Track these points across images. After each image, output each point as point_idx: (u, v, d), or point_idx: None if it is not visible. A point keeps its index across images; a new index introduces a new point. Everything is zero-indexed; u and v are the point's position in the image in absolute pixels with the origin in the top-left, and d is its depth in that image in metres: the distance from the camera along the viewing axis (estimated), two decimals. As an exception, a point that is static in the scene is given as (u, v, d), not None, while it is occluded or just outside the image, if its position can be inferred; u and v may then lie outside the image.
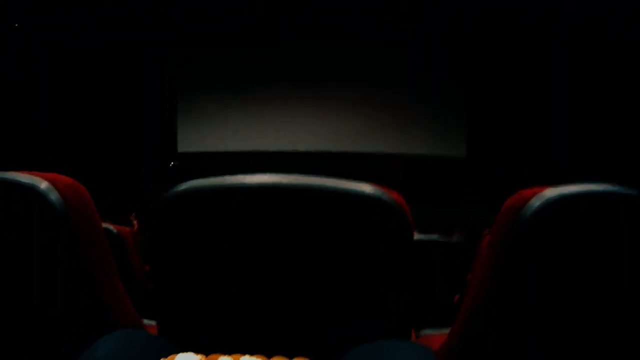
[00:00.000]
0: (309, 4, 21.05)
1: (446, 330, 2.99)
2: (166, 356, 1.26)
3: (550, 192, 1.59)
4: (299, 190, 1.43)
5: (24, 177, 1.76)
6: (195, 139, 22.87)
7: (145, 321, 2.40)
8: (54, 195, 1.70)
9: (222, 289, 1.57)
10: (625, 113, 16.75)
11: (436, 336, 2.95)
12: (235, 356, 1.26)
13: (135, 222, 8.28)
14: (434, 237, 4.89)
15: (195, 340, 1.62)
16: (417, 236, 5.11)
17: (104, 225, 4.34)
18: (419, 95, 21.08)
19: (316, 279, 1.52)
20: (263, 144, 22.14)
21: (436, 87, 21.01)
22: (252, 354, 1.38)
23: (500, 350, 1.83)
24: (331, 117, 21.89)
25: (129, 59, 22.24)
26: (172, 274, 1.62)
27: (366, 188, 1.44)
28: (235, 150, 22.30)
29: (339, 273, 1.50)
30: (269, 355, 1.29)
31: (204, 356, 1.25)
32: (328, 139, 21.83)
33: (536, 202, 1.58)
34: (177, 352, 1.45)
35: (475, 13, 19.76)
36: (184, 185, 1.50)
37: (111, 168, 22.26)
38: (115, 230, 4.23)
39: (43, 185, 1.72)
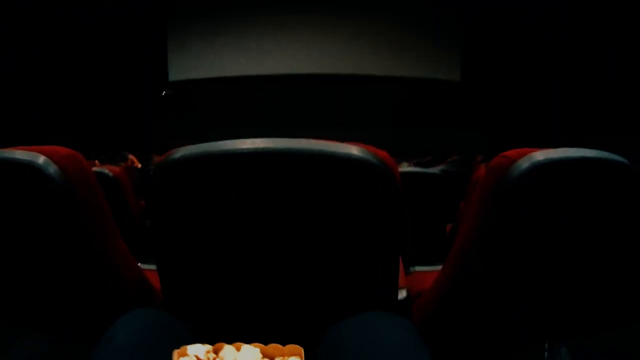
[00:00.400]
0: None
1: (435, 267, 3.03)
2: (179, 341, 1.31)
3: (539, 155, 1.62)
4: (288, 155, 1.46)
5: (21, 154, 1.77)
6: (186, 66, 22.76)
7: (144, 266, 2.44)
8: (52, 169, 1.72)
9: (218, 258, 1.62)
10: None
11: (426, 274, 2.97)
12: (237, 345, 1.32)
13: (131, 157, 8.33)
14: (429, 170, 4.77)
15: (198, 315, 1.69)
16: (410, 168, 5.17)
17: (99, 169, 4.40)
18: (416, 18, 21.10)
19: (307, 242, 1.56)
20: (258, 67, 21.94)
21: (433, 12, 21.03)
22: (250, 323, 1.44)
23: (486, 298, 1.89)
24: (327, 40, 21.73)
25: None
26: (171, 244, 1.66)
27: (354, 151, 1.45)
28: (226, 75, 22.23)
29: (329, 235, 1.55)
30: (265, 342, 1.34)
31: (211, 346, 1.30)
32: (324, 62, 21.76)
33: (524, 163, 1.61)
34: (188, 330, 1.55)
35: None
36: (179, 153, 1.50)
37: (106, 101, 22.35)
38: (110, 174, 4.26)
39: (41, 160, 1.73)
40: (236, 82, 22.01)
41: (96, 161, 9.42)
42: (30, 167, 1.74)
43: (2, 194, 1.91)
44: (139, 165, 8.11)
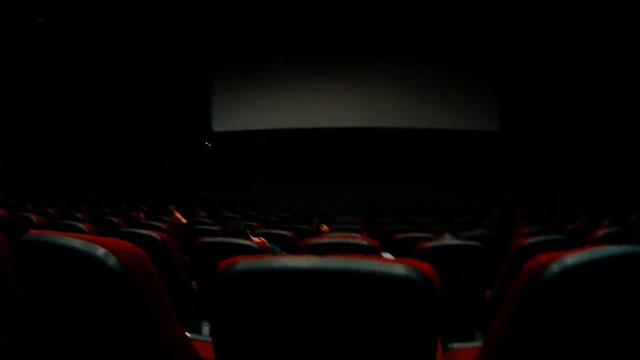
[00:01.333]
0: None
1: (472, 344, 3.06)
2: None
3: (569, 260, 1.66)
4: (341, 274, 1.58)
5: (80, 244, 1.84)
6: (229, 118, 23.15)
7: (192, 335, 2.50)
8: (112, 260, 1.78)
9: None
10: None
11: (464, 350, 2.99)
12: None
13: (176, 213, 8.44)
14: (470, 243, 4.84)
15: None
16: (453, 241, 5.20)
17: (148, 232, 4.48)
18: (454, 71, 21.26)
19: (354, 348, 1.68)
20: (300, 120, 22.34)
21: (470, 63, 21.17)
22: None
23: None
24: (366, 93, 21.96)
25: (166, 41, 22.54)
26: (230, 344, 1.78)
27: (400, 270, 1.56)
28: (266, 128, 22.45)
29: (374, 342, 1.66)
30: None
31: None
32: (363, 115, 22.00)
33: (554, 268, 1.66)
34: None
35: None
36: (241, 265, 1.63)
37: (147, 151, 22.62)
38: (159, 238, 4.33)
39: (100, 251, 1.80)
40: (278, 135, 22.21)
41: (141, 214, 9.56)
42: (89, 258, 1.80)
43: (59, 279, 1.99)
44: (184, 221, 8.21)
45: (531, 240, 4.55)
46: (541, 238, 4.83)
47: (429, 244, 4.68)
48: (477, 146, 20.84)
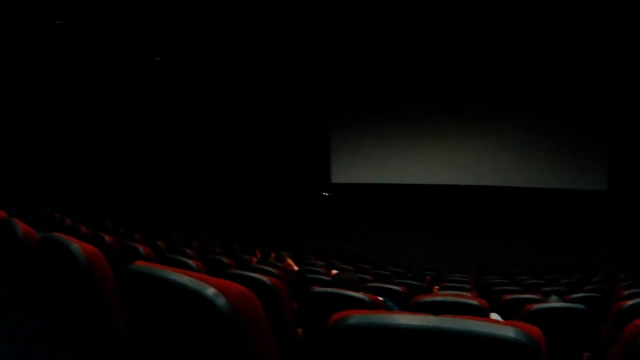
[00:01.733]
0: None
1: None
2: None
3: None
4: (453, 334, 1.55)
5: (189, 281, 1.75)
6: (347, 170, 23.72)
7: None
8: (221, 301, 1.68)
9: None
10: None
11: None
12: None
13: (289, 260, 8.38)
14: (575, 305, 5.02)
15: None
16: (559, 304, 5.18)
17: (259, 275, 4.36)
18: (561, 130, 21.28)
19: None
20: (410, 177, 22.91)
21: (579, 122, 21.11)
22: None
23: None
24: (476, 152, 22.20)
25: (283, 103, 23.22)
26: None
27: (510, 332, 1.52)
28: (382, 182, 22.97)
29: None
30: None
31: None
32: (472, 173, 22.28)
33: None
34: None
35: (615, 56, 19.36)
36: (354, 319, 1.59)
37: (266, 198, 23.12)
38: (269, 282, 4.21)
39: (209, 291, 1.70)
40: (395, 189, 22.76)
41: (253, 258, 9.51)
42: (198, 296, 1.70)
43: (162, 313, 1.91)
44: (296, 268, 8.16)
45: (631, 302, 4.53)
46: (640, 300, 4.98)
47: (536, 306, 4.89)
48: (584, 205, 20.54)
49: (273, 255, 9.23)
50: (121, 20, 18.75)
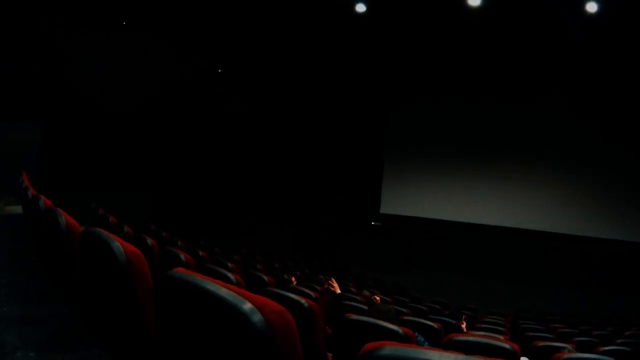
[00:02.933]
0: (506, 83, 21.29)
1: None
2: None
3: None
4: None
5: (227, 294, 1.74)
6: (396, 202, 23.87)
7: None
8: (257, 318, 1.66)
9: None
10: None
11: None
12: None
13: (332, 282, 8.35)
14: (602, 357, 5.13)
15: None
16: (590, 355, 5.22)
17: (296, 297, 4.33)
18: (608, 179, 21.05)
19: None
20: (457, 214, 22.98)
21: (625, 173, 20.79)
22: None
23: None
24: (526, 196, 22.19)
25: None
26: None
27: None
28: (430, 217, 23.05)
29: None
30: None
31: None
32: (520, 216, 22.15)
33: None
34: None
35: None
36: (386, 351, 1.56)
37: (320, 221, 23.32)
38: (306, 305, 4.19)
39: (246, 306, 1.68)
40: (441, 225, 22.89)
41: (292, 278, 9.47)
42: (234, 310, 1.69)
43: (196, 323, 1.90)
44: (338, 291, 8.11)
45: None
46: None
47: (565, 356, 5.02)
48: (629, 257, 20.05)
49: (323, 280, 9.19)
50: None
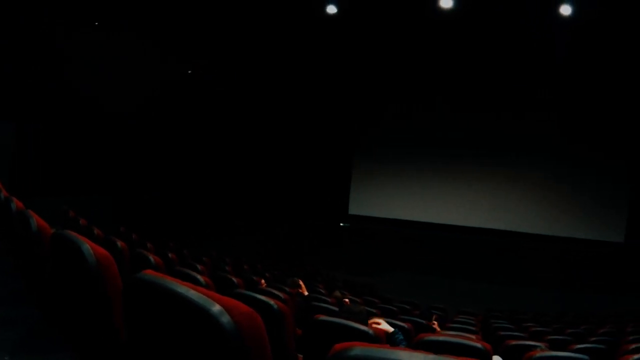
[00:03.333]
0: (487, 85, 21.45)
1: None
2: None
3: None
4: None
5: (195, 295, 1.74)
6: (365, 203, 23.96)
7: None
8: (225, 320, 1.67)
9: None
10: None
11: None
12: None
13: (301, 283, 8.39)
14: (576, 356, 5.34)
15: None
16: (561, 353, 5.25)
17: (265, 298, 4.36)
18: (581, 179, 21.61)
19: None
20: (428, 215, 23.40)
21: (600, 172, 21.36)
22: None
23: None
24: (495, 196, 22.70)
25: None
26: None
27: None
28: (400, 218, 23.17)
29: None
30: None
31: None
32: (489, 216, 22.69)
33: None
34: None
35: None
36: (354, 351, 1.55)
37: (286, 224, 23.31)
38: (275, 306, 4.21)
39: (215, 308, 1.69)
40: (410, 226, 23.17)
41: (262, 280, 9.48)
42: (203, 312, 1.69)
43: (165, 325, 1.91)
44: (306, 293, 8.16)
45: (636, 357, 4.71)
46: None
47: (538, 354, 5.11)
48: (599, 256, 20.54)
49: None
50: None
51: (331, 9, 17.57)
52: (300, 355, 4.79)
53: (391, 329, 5.11)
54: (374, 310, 8.87)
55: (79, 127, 18.31)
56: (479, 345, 4.49)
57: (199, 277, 5.44)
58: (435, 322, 9.24)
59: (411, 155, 23.39)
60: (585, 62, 18.76)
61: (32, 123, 16.99)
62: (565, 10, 15.90)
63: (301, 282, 8.54)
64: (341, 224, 23.76)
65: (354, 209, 24.27)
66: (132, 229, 13.45)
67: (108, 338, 2.51)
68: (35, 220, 3.57)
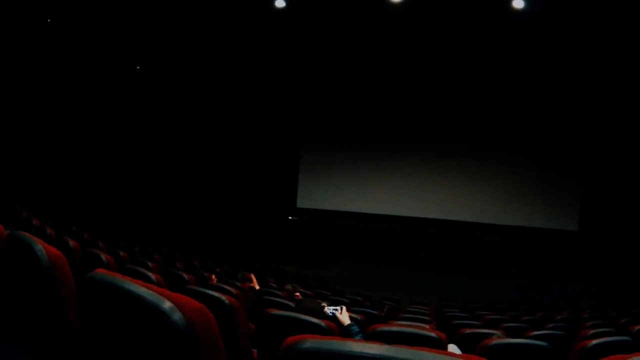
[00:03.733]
0: (433, 77, 21.54)
1: None
2: None
3: None
4: None
5: (147, 294, 1.76)
6: (313, 196, 23.88)
7: None
8: (177, 316, 1.69)
9: None
10: None
11: None
12: None
13: (253, 277, 8.40)
14: (536, 342, 5.17)
15: None
16: (518, 340, 5.26)
17: (217, 294, 4.37)
18: (534, 167, 21.70)
19: None
20: (379, 207, 23.29)
21: (553, 161, 21.47)
22: None
23: None
24: (448, 187, 22.69)
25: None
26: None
27: None
28: (349, 210, 23.11)
29: None
30: None
31: None
32: (443, 207, 22.68)
33: None
34: None
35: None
36: (308, 344, 1.56)
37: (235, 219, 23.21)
38: (227, 302, 4.22)
39: (166, 304, 1.71)
40: (360, 218, 23.02)
41: (212, 275, 9.47)
42: (154, 309, 1.72)
43: (118, 323, 1.92)
44: (257, 287, 8.16)
45: (594, 342, 4.69)
46: (604, 340, 4.96)
47: (495, 341, 5.01)
48: (552, 245, 20.71)
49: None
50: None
51: (280, 3, 17.50)
52: (255, 350, 4.77)
53: (348, 321, 5.12)
54: (324, 303, 8.91)
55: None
56: (433, 334, 4.54)
57: (150, 274, 5.44)
58: (384, 312, 9.30)
59: (361, 148, 23.15)
60: (544, 57, 18.85)
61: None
62: (518, 3, 15.98)
63: (252, 276, 8.53)
64: (290, 218, 23.71)
65: (303, 202, 24.12)
66: (85, 228, 13.34)
67: (64, 338, 2.52)
68: (-11, 222, 3.56)
